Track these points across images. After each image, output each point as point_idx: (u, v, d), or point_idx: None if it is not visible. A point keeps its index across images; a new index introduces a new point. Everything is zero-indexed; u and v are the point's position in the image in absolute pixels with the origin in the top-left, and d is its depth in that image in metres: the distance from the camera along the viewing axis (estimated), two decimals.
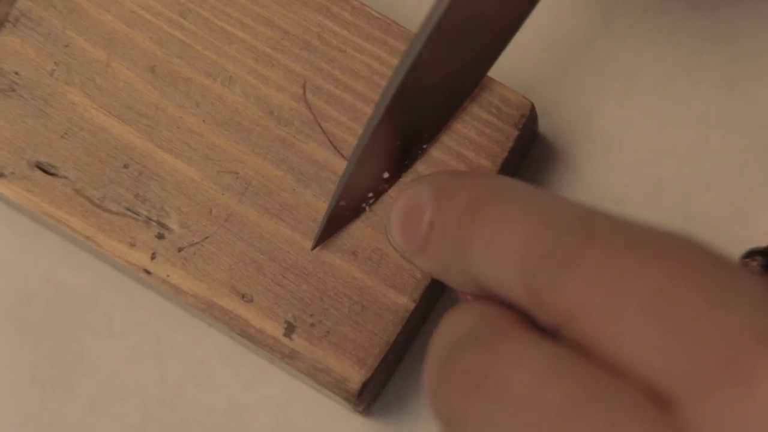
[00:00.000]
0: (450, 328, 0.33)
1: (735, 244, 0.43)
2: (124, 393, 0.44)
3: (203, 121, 0.42)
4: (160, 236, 0.42)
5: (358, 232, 0.41)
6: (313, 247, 0.41)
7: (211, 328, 0.44)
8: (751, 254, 0.41)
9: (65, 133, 0.42)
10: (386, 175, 0.41)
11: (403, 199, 0.39)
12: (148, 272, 0.41)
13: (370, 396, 0.42)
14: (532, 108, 0.41)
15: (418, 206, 0.38)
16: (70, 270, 0.44)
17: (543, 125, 0.44)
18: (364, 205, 0.41)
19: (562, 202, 0.33)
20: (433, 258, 0.37)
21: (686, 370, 0.28)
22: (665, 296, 0.28)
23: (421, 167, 0.41)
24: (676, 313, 0.28)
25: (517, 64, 0.45)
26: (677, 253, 0.29)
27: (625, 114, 0.45)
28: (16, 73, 0.42)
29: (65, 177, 0.42)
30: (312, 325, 0.41)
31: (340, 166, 0.41)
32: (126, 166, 0.42)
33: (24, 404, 0.44)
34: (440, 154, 0.41)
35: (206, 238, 0.41)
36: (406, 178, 0.41)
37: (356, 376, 0.40)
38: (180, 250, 0.41)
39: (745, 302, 0.28)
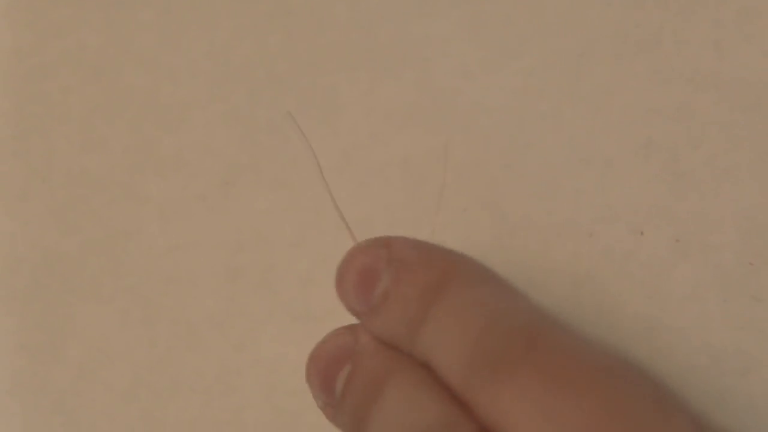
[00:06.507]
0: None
1: (724, 203, 0.43)
2: (113, 358, 0.44)
3: None
4: None
5: None
6: None
7: (200, 292, 0.44)
8: None
9: None
10: None
11: (358, 258, 0.37)
12: None
13: None
14: None
15: (373, 271, 0.36)
16: (58, 235, 0.44)
17: (532, 87, 0.44)
18: None
19: (519, 297, 0.33)
20: (383, 325, 0.36)
21: None
22: (600, 430, 0.28)
23: None
24: None
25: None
26: (618, 382, 0.29)
27: (613, 74, 0.44)
28: None
29: None
30: None
31: None
32: None
33: (12, 370, 0.44)
34: None
35: None
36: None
37: None
38: None
39: None
